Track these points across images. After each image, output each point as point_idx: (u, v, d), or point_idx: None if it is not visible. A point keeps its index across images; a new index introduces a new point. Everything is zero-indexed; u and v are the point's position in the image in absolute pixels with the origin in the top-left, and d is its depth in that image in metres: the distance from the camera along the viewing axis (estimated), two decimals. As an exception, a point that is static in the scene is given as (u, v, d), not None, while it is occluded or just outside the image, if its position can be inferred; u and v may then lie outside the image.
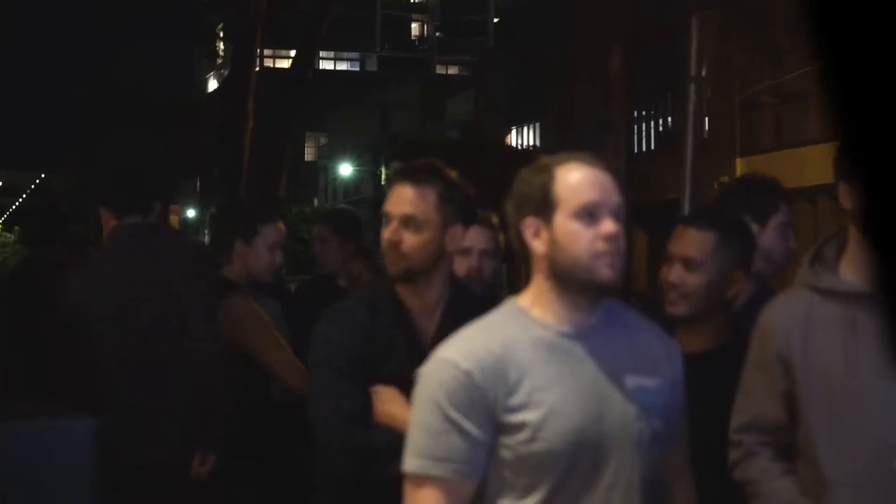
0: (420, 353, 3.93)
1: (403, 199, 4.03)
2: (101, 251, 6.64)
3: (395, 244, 4.02)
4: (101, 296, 5.88)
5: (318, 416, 3.98)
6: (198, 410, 5.66)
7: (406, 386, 3.81)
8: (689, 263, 4.22)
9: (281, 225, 6.16)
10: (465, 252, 4.99)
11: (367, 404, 3.92)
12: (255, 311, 5.86)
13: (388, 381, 3.93)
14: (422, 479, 3.17)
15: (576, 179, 3.21)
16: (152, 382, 5.73)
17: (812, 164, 17.16)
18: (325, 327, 4.08)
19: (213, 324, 5.72)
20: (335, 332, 4.04)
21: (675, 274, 4.24)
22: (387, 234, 4.05)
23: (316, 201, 59.71)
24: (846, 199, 3.63)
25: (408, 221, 4.01)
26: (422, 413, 3.20)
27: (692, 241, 4.25)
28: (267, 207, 11.18)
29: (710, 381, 3.84)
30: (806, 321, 3.61)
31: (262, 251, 6.05)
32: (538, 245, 3.23)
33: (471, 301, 4.10)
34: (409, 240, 4.01)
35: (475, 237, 4.98)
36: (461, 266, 4.92)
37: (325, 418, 3.96)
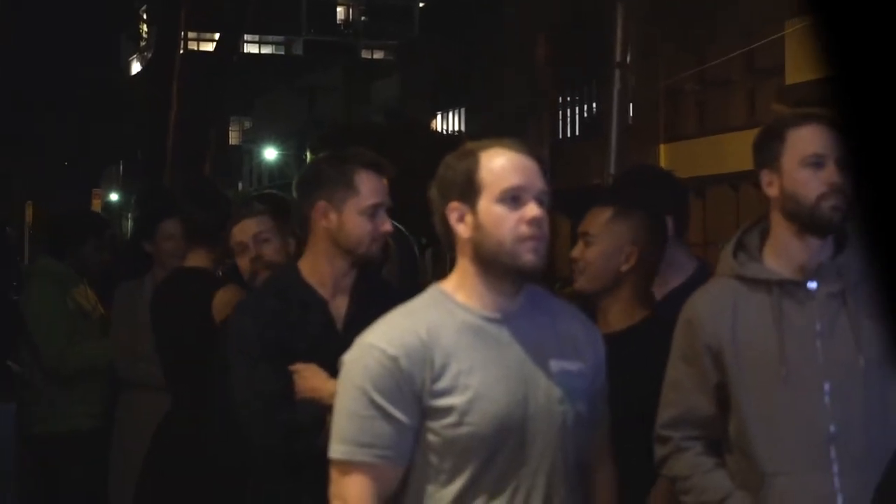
0: (332, 333, 3.97)
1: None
2: None
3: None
4: None
5: (240, 401, 4.02)
6: None
7: (322, 362, 3.87)
8: (587, 238, 4.29)
9: None
10: (243, 247, 5.04)
11: (287, 384, 3.96)
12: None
13: (303, 359, 3.99)
14: (348, 465, 3.17)
15: (500, 164, 3.22)
16: None
17: (734, 151, 17.31)
18: (237, 317, 4.15)
19: None
20: (246, 319, 4.09)
21: (575, 249, 4.31)
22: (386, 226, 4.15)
23: (240, 186, 59.44)
24: (769, 186, 3.66)
25: None
26: (347, 399, 3.20)
27: (591, 218, 4.33)
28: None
29: (625, 361, 3.87)
30: (733, 311, 3.61)
31: None
32: (463, 229, 3.23)
33: (377, 284, 4.19)
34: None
35: (240, 232, 5.03)
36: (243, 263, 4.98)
37: (246, 402, 4.00)
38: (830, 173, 3.54)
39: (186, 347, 5.44)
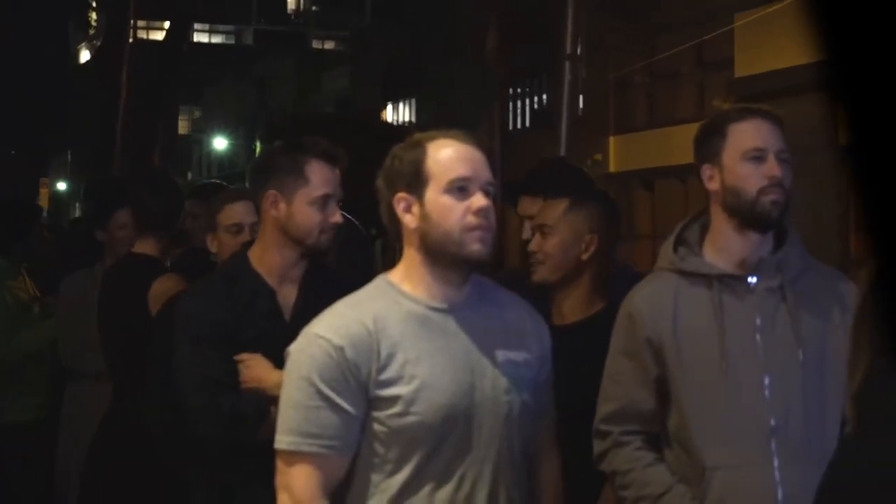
0: (280, 322, 3.96)
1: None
2: None
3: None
4: None
5: (184, 385, 4.02)
6: None
7: (268, 352, 3.86)
8: (544, 230, 4.30)
9: None
10: (239, 228, 5.02)
11: (232, 371, 3.96)
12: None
13: (250, 348, 3.99)
14: (294, 456, 3.18)
15: (447, 155, 3.23)
16: None
17: (683, 144, 17.39)
18: (185, 302, 4.16)
19: None
20: (194, 305, 4.10)
21: (533, 242, 4.33)
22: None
23: (189, 175, 59.13)
24: (710, 181, 3.68)
25: None
26: (293, 390, 3.20)
27: (547, 209, 4.36)
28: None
29: (580, 352, 3.87)
30: (673, 305, 3.63)
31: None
32: (410, 220, 3.24)
33: (327, 275, 4.18)
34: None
35: (244, 212, 5.00)
36: (237, 241, 4.96)
37: (190, 386, 4.00)
38: (771, 167, 3.57)
39: (132, 336, 5.41)
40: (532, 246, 4.33)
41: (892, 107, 1.26)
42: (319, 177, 4.08)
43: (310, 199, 4.07)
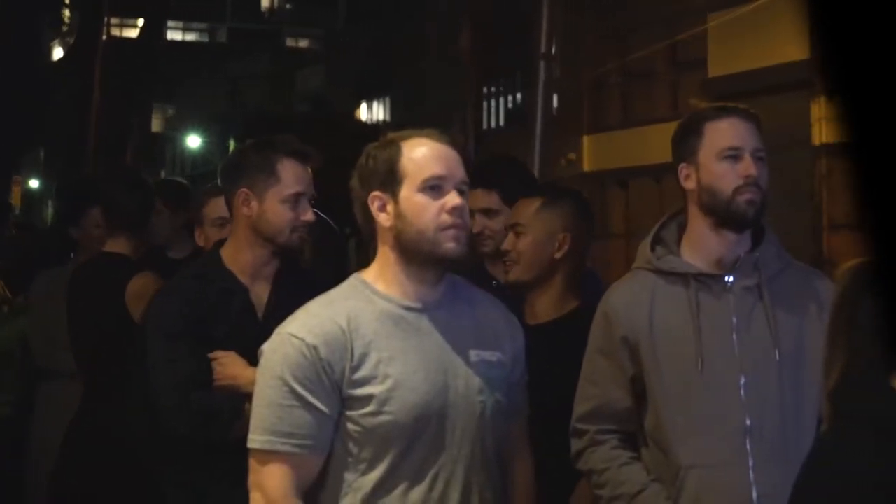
0: (253, 320, 3.96)
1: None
2: None
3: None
4: None
5: (157, 383, 4.01)
6: None
7: (241, 350, 3.86)
8: (517, 228, 4.30)
9: None
10: (224, 221, 5.01)
11: (205, 369, 3.96)
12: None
13: (223, 346, 3.99)
14: (267, 455, 3.17)
15: (421, 154, 3.23)
16: None
17: (657, 143, 17.40)
18: (157, 300, 4.16)
19: None
20: (167, 302, 4.10)
21: (507, 241, 4.33)
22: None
23: (163, 173, 58.98)
24: (687, 180, 3.68)
25: None
26: (266, 389, 3.19)
27: (520, 209, 4.35)
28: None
29: (553, 352, 3.87)
30: (650, 304, 3.64)
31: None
32: (384, 218, 3.24)
33: (300, 273, 4.20)
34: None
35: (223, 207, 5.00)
36: (222, 234, 4.97)
37: (163, 384, 3.99)
38: (747, 166, 3.58)
39: (103, 334, 5.39)
40: (505, 245, 4.33)
41: (890, 104, 1.25)
42: (291, 175, 4.08)
43: (281, 197, 4.07)
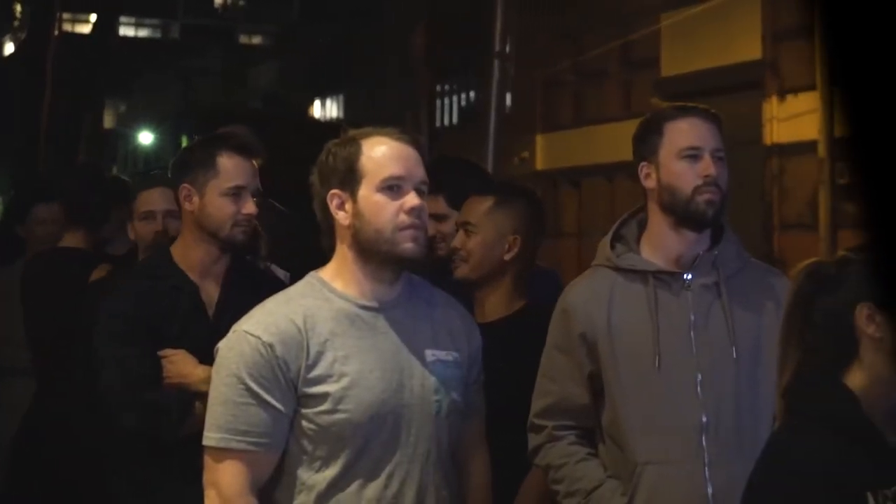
0: (203, 318, 3.96)
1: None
2: None
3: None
4: None
5: (107, 382, 4.00)
6: None
7: (191, 347, 3.87)
8: (467, 227, 4.30)
9: None
10: (150, 215, 5.00)
11: (155, 366, 3.96)
12: None
13: (173, 344, 3.99)
14: (222, 453, 3.17)
15: (381, 153, 3.24)
16: None
17: (609, 142, 17.44)
18: (107, 300, 4.13)
19: None
20: (116, 302, 4.08)
21: (457, 239, 4.33)
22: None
23: (115, 169, 58.62)
24: (647, 178, 3.71)
25: None
26: (222, 386, 3.19)
27: (471, 207, 4.35)
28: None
29: (501, 350, 3.89)
30: (609, 301, 3.66)
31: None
32: (342, 217, 3.24)
33: (250, 271, 4.23)
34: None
35: (157, 199, 4.98)
36: (148, 229, 4.95)
37: (113, 382, 3.98)
38: (706, 166, 3.61)
39: (60, 328, 5.37)
40: (455, 243, 4.33)
41: (890, 100, 1.27)
42: (231, 168, 4.07)
43: (221, 191, 4.06)
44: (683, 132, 3.65)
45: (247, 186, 4.09)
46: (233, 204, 4.06)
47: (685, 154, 3.63)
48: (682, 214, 3.63)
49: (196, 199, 4.08)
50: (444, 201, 4.69)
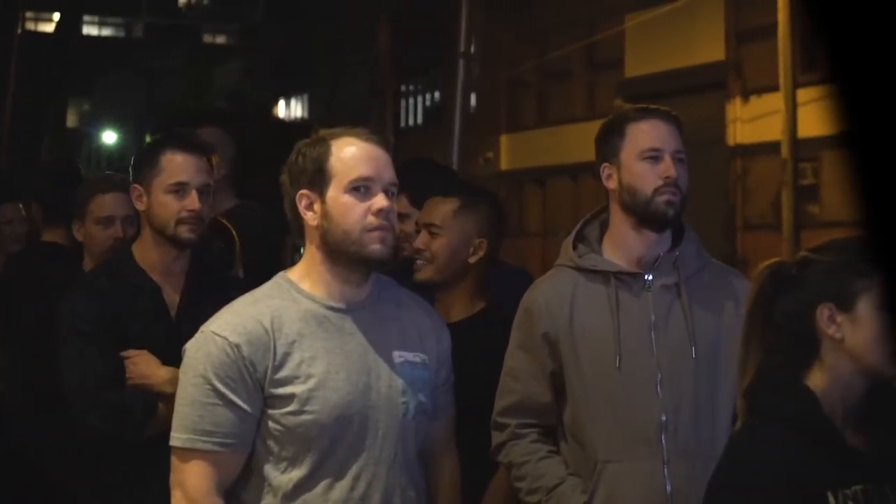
0: (165, 319, 3.96)
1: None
2: None
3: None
4: None
5: (71, 383, 3.99)
6: None
7: (153, 348, 3.87)
8: (432, 229, 4.30)
9: None
10: (109, 221, 5.00)
11: (118, 367, 3.95)
12: None
13: (135, 345, 3.98)
14: (189, 453, 3.17)
15: (350, 154, 3.24)
16: None
17: (574, 143, 17.50)
18: (69, 299, 4.11)
19: None
20: (78, 301, 4.07)
21: (420, 240, 4.33)
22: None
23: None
24: (609, 179, 3.73)
25: None
26: (189, 387, 3.20)
27: (436, 209, 4.35)
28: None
29: (462, 351, 3.91)
30: (571, 301, 3.68)
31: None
32: (311, 217, 3.25)
33: (212, 271, 4.22)
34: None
35: (115, 204, 4.99)
36: (106, 234, 4.95)
37: (77, 383, 3.97)
38: (666, 167, 3.63)
39: (34, 328, 5.35)
40: (419, 244, 4.33)
41: (890, 97, 1.28)
42: (174, 165, 4.07)
43: (164, 188, 4.05)
44: (644, 134, 3.68)
45: (190, 182, 4.07)
46: (176, 200, 4.05)
47: (646, 155, 3.65)
48: (643, 215, 3.65)
49: (145, 198, 4.09)
50: (406, 200, 4.69)
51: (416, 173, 4.88)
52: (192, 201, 4.06)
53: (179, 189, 4.05)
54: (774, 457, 2.65)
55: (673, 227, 3.71)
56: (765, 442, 2.69)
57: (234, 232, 4.90)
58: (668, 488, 3.52)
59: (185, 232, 4.07)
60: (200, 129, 5.22)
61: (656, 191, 3.63)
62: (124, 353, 3.97)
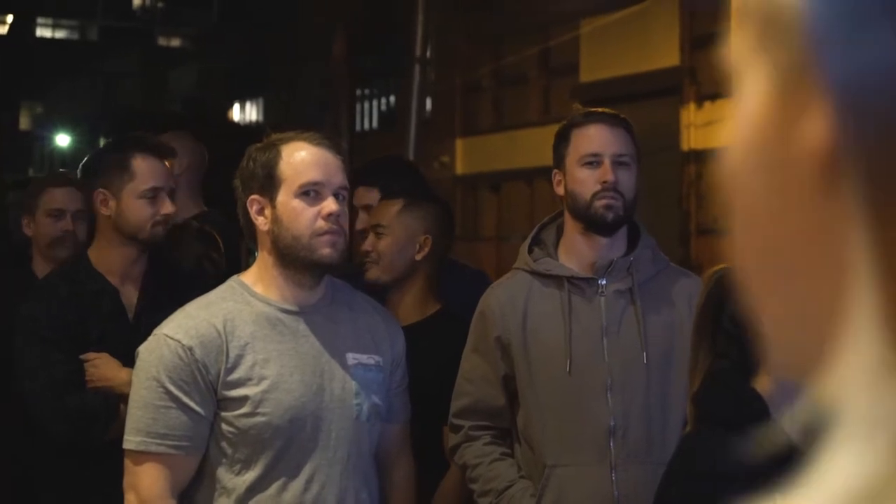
0: (123, 321, 3.96)
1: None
2: None
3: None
4: None
5: (31, 389, 3.97)
6: None
7: (113, 351, 3.87)
8: (378, 230, 4.33)
9: None
10: (60, 213, 4.99)
11: (78, 370, 3.95)
12: None
13: (95, 348, 3.98)
14: (142, 456, 3.18)
15: (300, 159, 3.25)
16: None
17: (529, 147, 17.53)
18: (27, 304, 4.11)
19: None
20: (36, 306, 4.06)
21: (367, 241, 4.35)
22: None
23: (31, 172, 58.03)
24: (558, 185, 3.76)
25: None
26: (141, 390, 3.20)
27: (381, 210, 4.38)
28: None
29: (416, 354, 3.92)
30: (525, 305, 3.70)
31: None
32: (262, 222, 3.26)
33: (169, 272, 4.22)
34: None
35: (68, 198, 4.98)
36: (57, 227, 4.95)
37: (38, 389, 3.96)
38: (604, 172, 3.66)
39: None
40: (366, 245, 4.35)
41: None
42: (145, 170, 4.08)
43: (137, 193, 4.06)
44: (586, 139, 3.71)
45: (163, 187, 4.10)
46: (150, 206, 4.07)
47: (585, 161, 3.68)
48: (585, 220, 3.69)
49: (112, 203, 4.08)
50: (377, 193, 4.71)
51: (384, 168, 4.92)
52: (167, 206, 4.10)
53: (153, 195, 4.06)
54: (723, 461, 2.67)
55: (616, 231, 3.72)
56: (713, 447, 2.71)
57: (218, 238, 4.89)
58: (616, 493, 3.55)
59: (160, 234, 4.11)
60: (168, 133, 5.18)
61: (594, 195, 3.65)
62: (84, 356, 3.96)
